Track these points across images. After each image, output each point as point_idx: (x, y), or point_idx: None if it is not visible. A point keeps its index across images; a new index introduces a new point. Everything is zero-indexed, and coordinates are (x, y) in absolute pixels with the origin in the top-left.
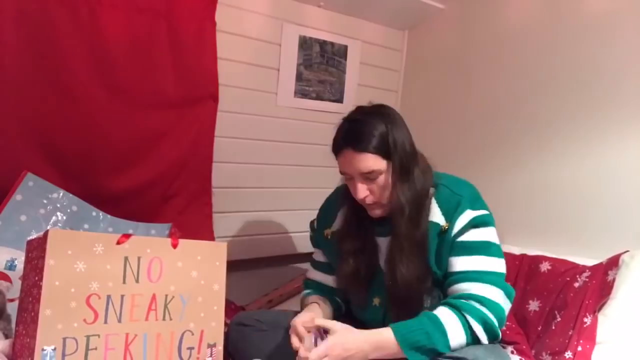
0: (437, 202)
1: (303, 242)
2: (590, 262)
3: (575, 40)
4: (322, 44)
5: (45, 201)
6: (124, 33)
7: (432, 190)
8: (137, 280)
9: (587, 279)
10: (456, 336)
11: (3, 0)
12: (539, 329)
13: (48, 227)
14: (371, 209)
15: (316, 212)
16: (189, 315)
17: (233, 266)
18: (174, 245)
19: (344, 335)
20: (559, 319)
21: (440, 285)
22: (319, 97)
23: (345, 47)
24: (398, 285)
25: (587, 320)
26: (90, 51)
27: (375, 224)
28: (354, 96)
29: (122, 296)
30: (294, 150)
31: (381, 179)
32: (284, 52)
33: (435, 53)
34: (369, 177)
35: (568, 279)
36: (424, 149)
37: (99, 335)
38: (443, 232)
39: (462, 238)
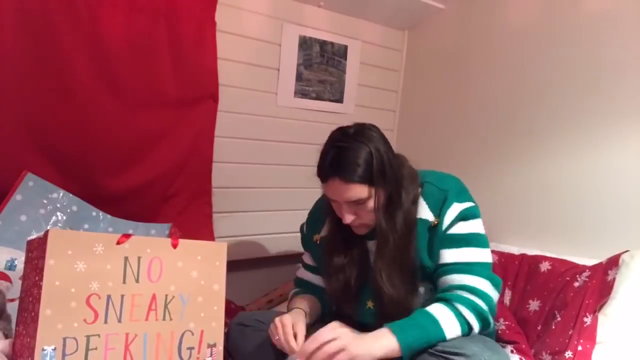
0: (424, 199)
1: None
2: (590, 261)
3: (574, 40)
4: (322, 44)
5: (45, 201)
6: (124, 33)
7: (419, 189)
8: (137, 280)
9: (587, 279)
10: (451, 327)
11: (3, 0)
12: (539, 328)
13: (48, 227)
14: (357, 229)
15: None
16: (189, 315)
17: (233, 266)
18: (174, 245)
19: (330, 325)
20: (559, 319)
21: (431, 277)
22: (319, 97)
23: (345, 47)
24: (385, 304)
25: (587, 320)
26: (90, 51)
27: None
28: (354, 96)
29: (122, 296)
30: (294, 150)
31: (368, 204)
32: (284, 52)
33: (435, 53)
34: (357, 202)
35: (568, 278)
36: (423, 149)
37: (99, 335)
38: (433, 227)
39: (452, 231)
